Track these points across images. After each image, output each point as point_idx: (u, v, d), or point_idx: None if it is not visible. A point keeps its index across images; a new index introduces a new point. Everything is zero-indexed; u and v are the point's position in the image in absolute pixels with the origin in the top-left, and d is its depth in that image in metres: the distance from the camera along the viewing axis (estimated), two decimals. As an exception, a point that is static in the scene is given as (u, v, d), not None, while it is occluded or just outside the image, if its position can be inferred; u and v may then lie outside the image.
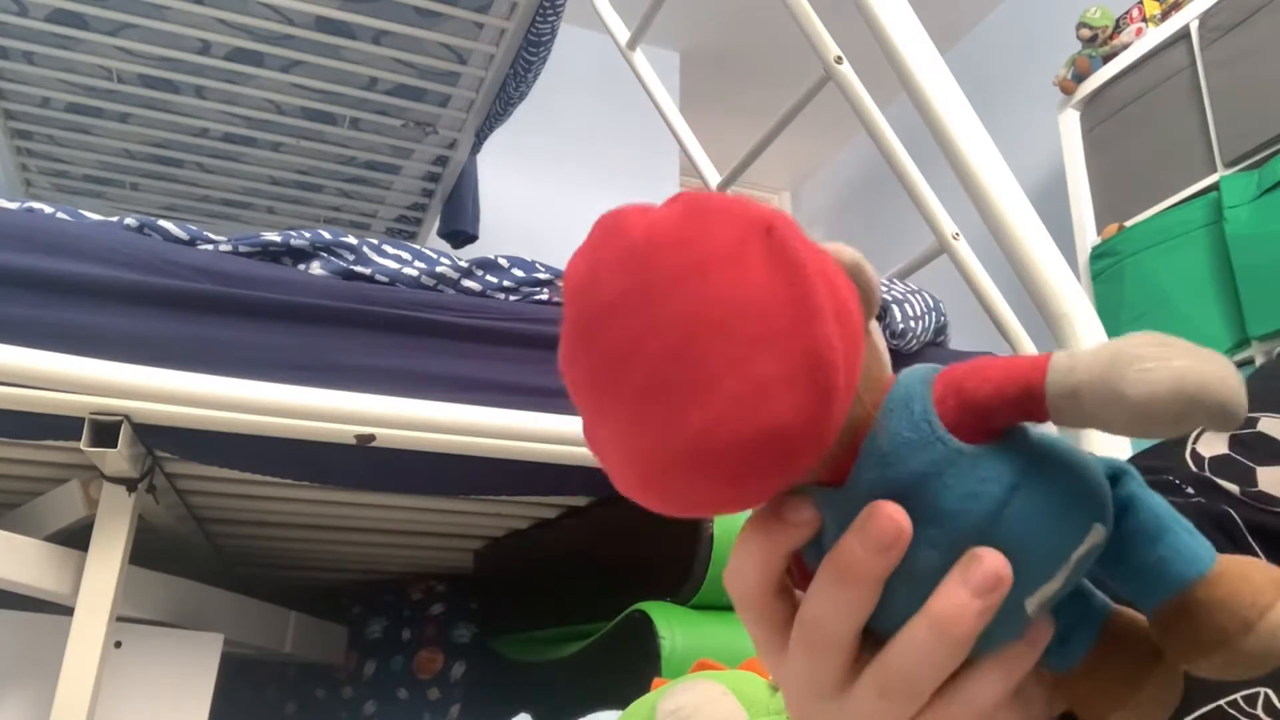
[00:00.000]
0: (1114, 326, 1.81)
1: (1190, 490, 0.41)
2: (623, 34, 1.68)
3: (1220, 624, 0.25)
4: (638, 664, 0.95)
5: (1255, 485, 0.41)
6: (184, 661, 0.91)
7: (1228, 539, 0.40)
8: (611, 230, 0.24)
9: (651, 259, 0.23)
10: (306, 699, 1.35)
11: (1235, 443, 0.42)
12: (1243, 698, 0.35)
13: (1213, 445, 0.43)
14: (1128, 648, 0.28)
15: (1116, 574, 0.27)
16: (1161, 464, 0.43)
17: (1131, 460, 0.45)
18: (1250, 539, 0.40)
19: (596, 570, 1.22)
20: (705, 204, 0.24)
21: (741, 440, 0.22)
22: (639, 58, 1.67)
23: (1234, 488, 0.41)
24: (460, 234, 2.12)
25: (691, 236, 0.23)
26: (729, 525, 0.95)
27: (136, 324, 0.81)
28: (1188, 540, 0.26)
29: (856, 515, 0.24)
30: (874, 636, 0.26)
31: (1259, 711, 0.35)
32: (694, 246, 0.23)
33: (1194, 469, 0.42)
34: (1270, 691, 0.35)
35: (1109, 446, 0.92)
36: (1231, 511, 0.40)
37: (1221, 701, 0.36)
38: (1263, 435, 0.42)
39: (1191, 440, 0.44)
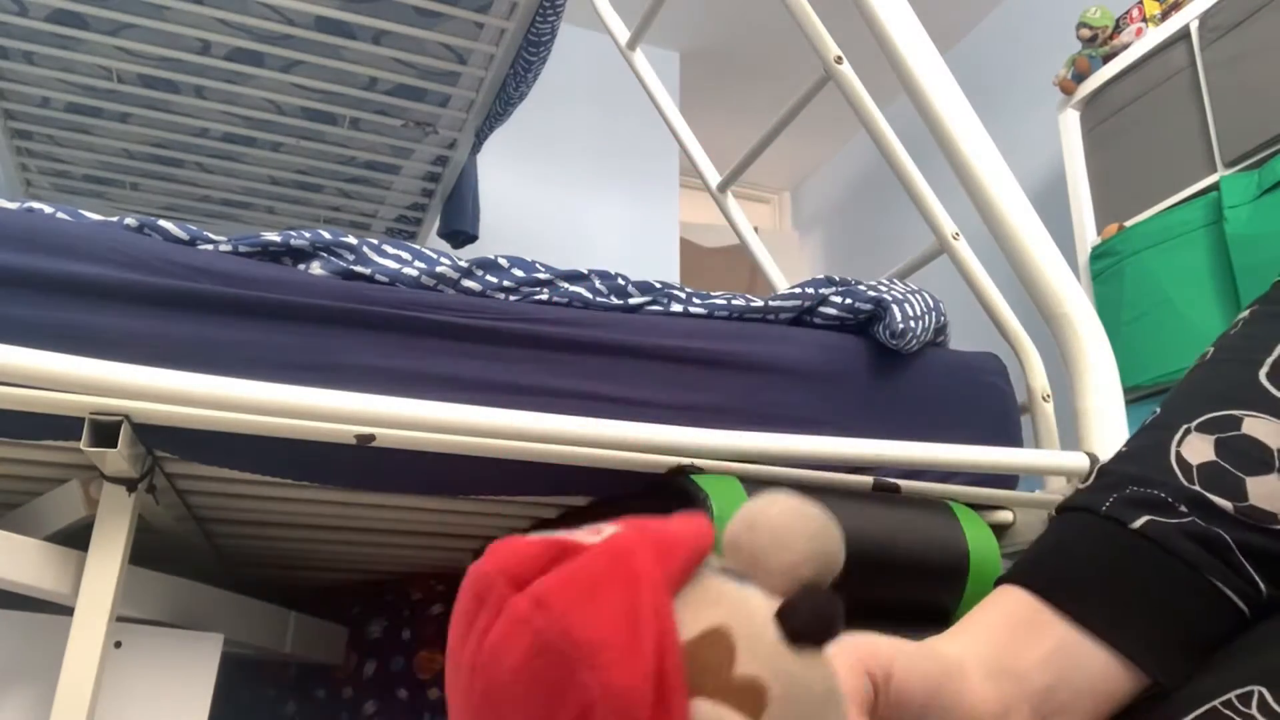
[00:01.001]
0: (1114, 326, 1.81)
1: (1184, 509, 0.41)
2: (623, 34, 1.68)
3: None
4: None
5: (1246, 499, 0.40)
6: (184, 661, 0.91)
7: (1223, 562, 0.40)
8: (471, 633, 0.28)
9: (498, 703, 0.27)
10: (306, 699, 1.35)
11: (1221, 447, 0.42)
12: (1237, 697, 0.35)
13: (1198, 450, 0.42)
14: None
15: None
16: (1150, 475, 0.43)
17: (1118, 467, 0.45)
18: (1244, 561, 0.40)
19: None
20: (558, 662, 0.26)
21: None
22: (639, 58, 1.67)
23: (1227, 504, 0.40)
24: (460, 234, 2.12)
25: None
26: (729, 517, 0.95)
27: (136, 324, 0.81)
28: None
29: None
30: None
31: (1254, 711, 0.35)
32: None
33: (1184, 482, 0.42)
34: (1264, 690, 0.35)
35: (1104, 442, 0.92)
36: (1224, 535, 0.40)
37: (1216, 702, 0.35)
38: (1247, 437, 0.42)
39: (1175, 443, 0.43)
